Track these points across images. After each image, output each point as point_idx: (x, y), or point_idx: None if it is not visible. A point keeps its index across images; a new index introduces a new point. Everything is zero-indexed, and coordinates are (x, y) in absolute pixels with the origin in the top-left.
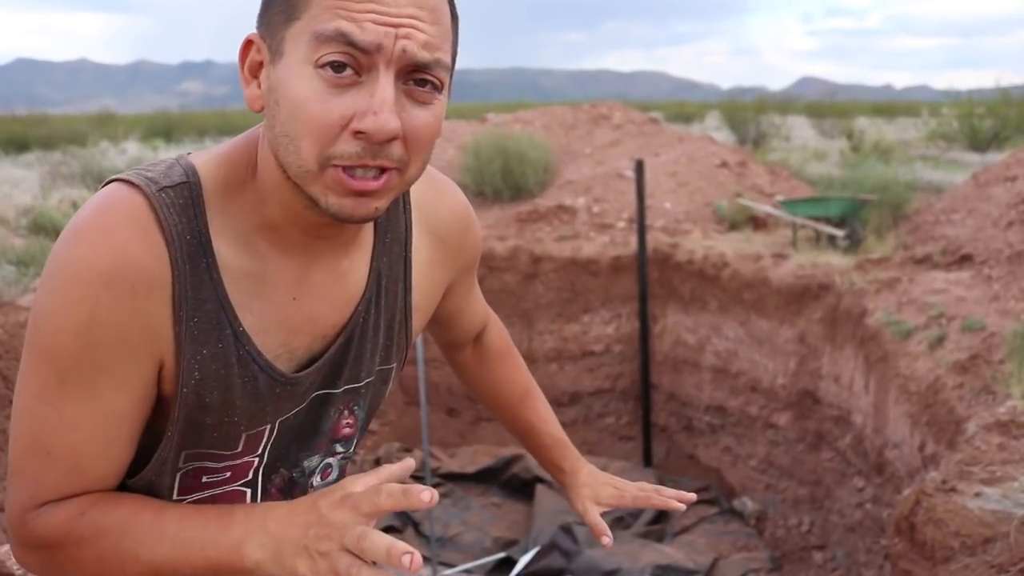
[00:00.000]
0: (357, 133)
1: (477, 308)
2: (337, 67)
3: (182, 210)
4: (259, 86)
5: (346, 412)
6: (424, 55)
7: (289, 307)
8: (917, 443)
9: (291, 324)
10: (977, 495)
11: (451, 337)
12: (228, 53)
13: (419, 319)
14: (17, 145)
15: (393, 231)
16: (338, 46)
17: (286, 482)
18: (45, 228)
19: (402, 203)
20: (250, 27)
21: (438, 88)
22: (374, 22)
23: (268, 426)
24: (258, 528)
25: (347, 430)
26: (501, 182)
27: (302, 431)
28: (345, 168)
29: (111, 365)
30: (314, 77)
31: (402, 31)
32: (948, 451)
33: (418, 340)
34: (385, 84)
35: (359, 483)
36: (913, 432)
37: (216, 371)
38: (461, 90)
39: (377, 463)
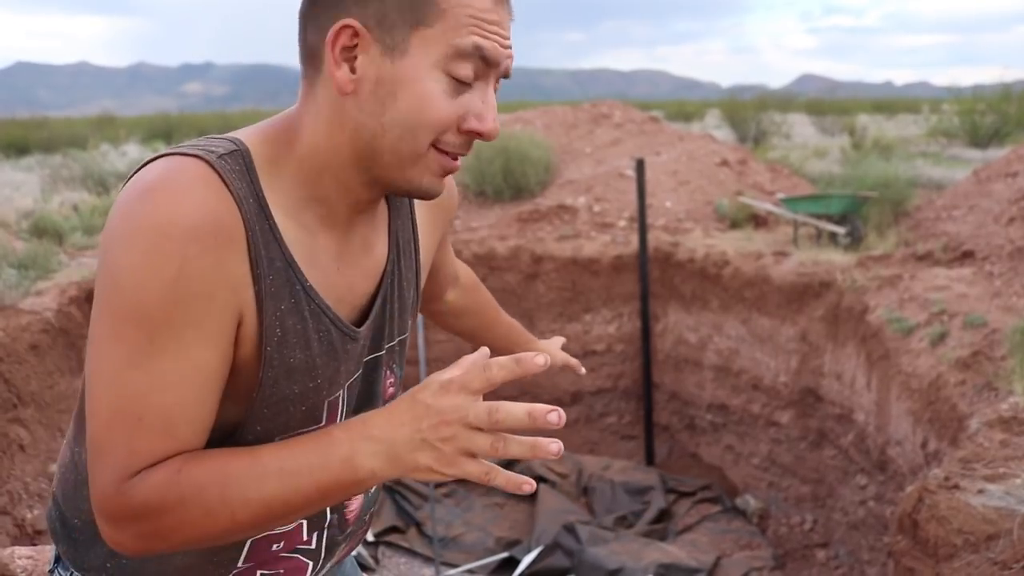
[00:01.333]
0: (469, 132)
1: (451, 257)
2: (462, 80)
3: (240, 176)
4: (352, 71)
5: (388, 372)
6: (511, 68)
7: (334, 276)
8: (919, 440)
9: (336, 293)
10: (980, 492)
11: (432, 289)
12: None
13: (423, 277)
14: (18, 148)
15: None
16: (472, 60)
17: None
18: (46, 231)
19: None
20: (250, 27)
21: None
22: (499, 44)
23: (342, 391)
24: (362, 438)
25: (391, 389)
26: (502, 182)
27: (363, 397)
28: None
29: (200, 319)
30: (444, 81)
31: (507, 52)
32: (950, 448)
33: (419, 340)
34: (492, 92)
35: (446, 373)
36: (915, 429)
37: (294, 327)
38: None
39: None
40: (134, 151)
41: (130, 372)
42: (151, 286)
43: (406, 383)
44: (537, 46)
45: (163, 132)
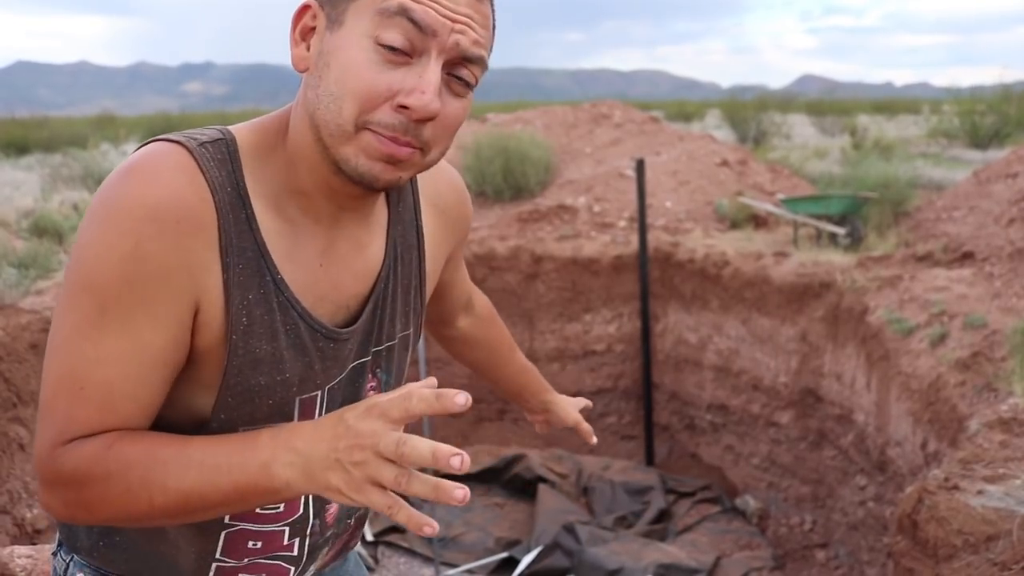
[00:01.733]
0: (400, 107)
1: (464, 281)
2: (392, 48)
3: (220, 164)
4: (308, 49)
5: (371, 376)
6: (473, 50)
7: (316, 272)
8: (919, 441)
9: (317, 290)
10: (979, 493)
11: (442, 310)
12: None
13: (429, 286)
14: (18, 148)
15: (404, 201)
16: (399, 22)
17: None
18: (46, 230)
19: None
20: (250, 27)
21: (471, 85)
22: (436, 11)
23: (319, 393)
24: (284, 447)
25: (371, 392)
26: (502, 182)
27: (348, 402)
28: (379, 135)
29: (151, 300)
30: (371, 49)
31: (457, 26)
32: (950, 449)
33: (419, 341)
34: (434, 69)
35: (384, 396)
36: (915, 430)
37: (261, 317)
38: None
39: None
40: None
41: (79, 342)
42: (107, 261)
43: (407, 383)
44: (537, 46)
45: (163, 132)
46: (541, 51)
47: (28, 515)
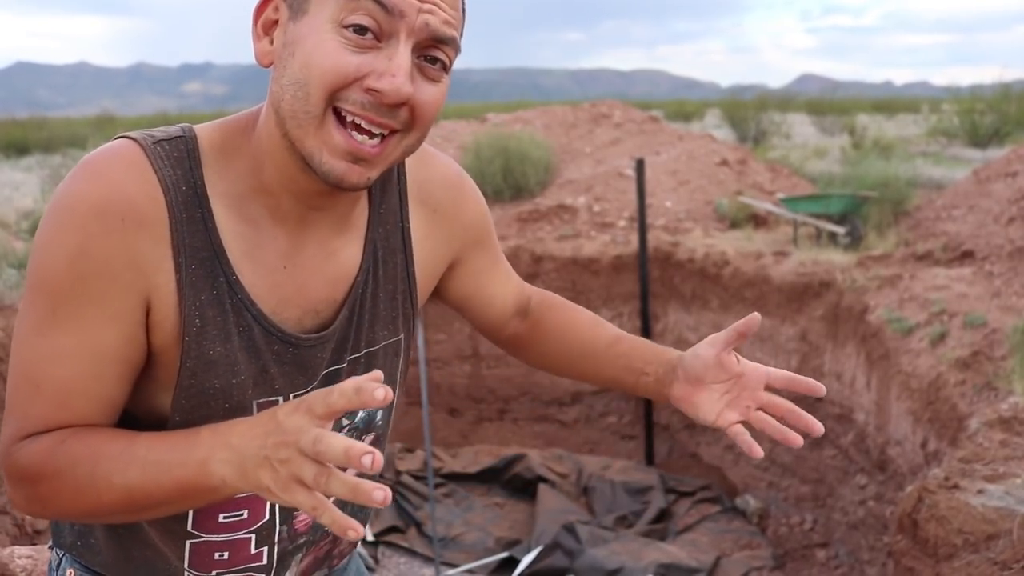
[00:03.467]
0: (369, 90)
1: (508, 287)
2: (359, 30)
3: (177, 162)
4: (271, 43)
5: None
6: (444, 30)
7: (279, 274)
8: (919, 440)
9: (280, 293)
10: (980, 492)
11: (488, 320)
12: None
13: (422, 292)
14: (17, 148)
15: (387, 202)
16: (365, 4)
17: None
18: None
19: (396, 173)
20: (249, 29)
21: (446, 68)
22: None
23: (280, 398)
24: (222, 444)
25: None
26: (502, 182)
27: None
28: (349, 123)
29: (99, 297)
30: (336, 34)
31: (426, 6)
32: (950, 448)
33: (419, 341)
34: (404, 52)
35: (314, 393)
36: (915, 429)
37: (214, 318)
38: (461, 90)
39: None
40: None
41: (35, 339)
42: (56, 259)
43: (408, 384)
44: (537, 46)
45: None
46: (541, 51)
47: (28, 515)
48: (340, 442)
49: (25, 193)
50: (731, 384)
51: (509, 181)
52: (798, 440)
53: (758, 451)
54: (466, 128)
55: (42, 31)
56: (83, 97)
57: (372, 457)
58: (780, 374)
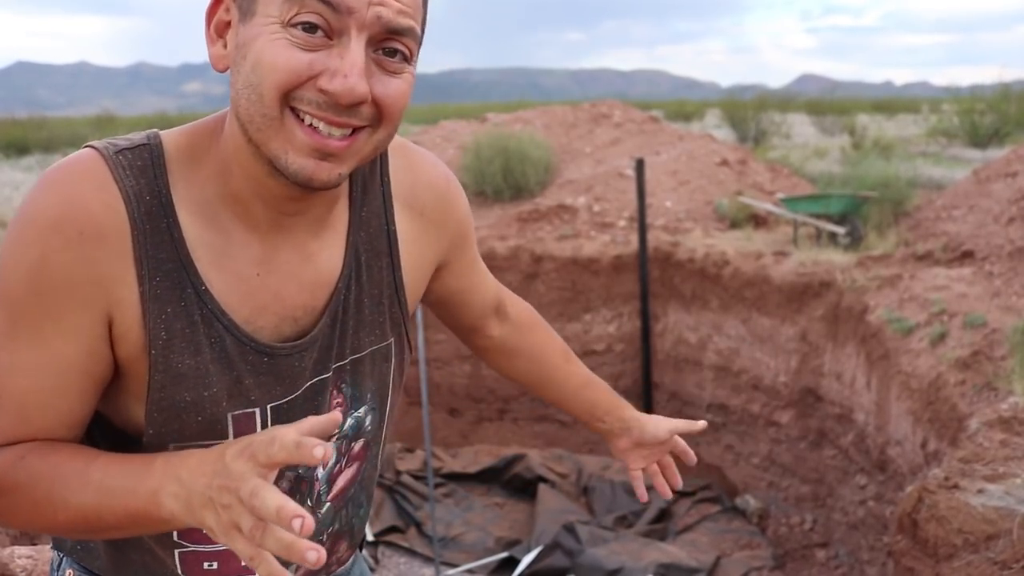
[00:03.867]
0: (322, 91)
1: (486, 286)
2: (308, 28)
3: (140, 171)
4: (224, 46)
5: (335, 392)
6: (398, 21)
7: (252, 282)
8: (919, 440)
9: (255, 301)
10: (980, 492)
11: (466, 320)
12: None
13: (411, 295)
14: (17, 148)
15: (370, 205)
16: (310, 3)
17: (292, 480)
18: None
19: (379, 175)
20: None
21: (407, 59)
22: None
23: (257, 410)
24: (172, 477)
25: (337, 409)
26: (502, 182)
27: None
28: (308, 125)
29: (58, 312)
30: (283, 34)
31: None
32: (950, 448)
33: (419, 341)
34: (356, 48)
35: (280, 431)
36: (915, 429)
37: (182, 331)
38: (461, 90)
39: None
40: None
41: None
42: (15, 273)
43: (408, 384)
44: (537, 46)
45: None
46: (541, 51)
47: None
48: (273, 500)
49: (25, 193)
50: (657, 450)
51: (509, 181)
52: (667, 492)
53: (643, 493)
54: (466, 128)
55: (42, 31)
56: (83, 97)
57: (302, 521)
58: (682, 445)
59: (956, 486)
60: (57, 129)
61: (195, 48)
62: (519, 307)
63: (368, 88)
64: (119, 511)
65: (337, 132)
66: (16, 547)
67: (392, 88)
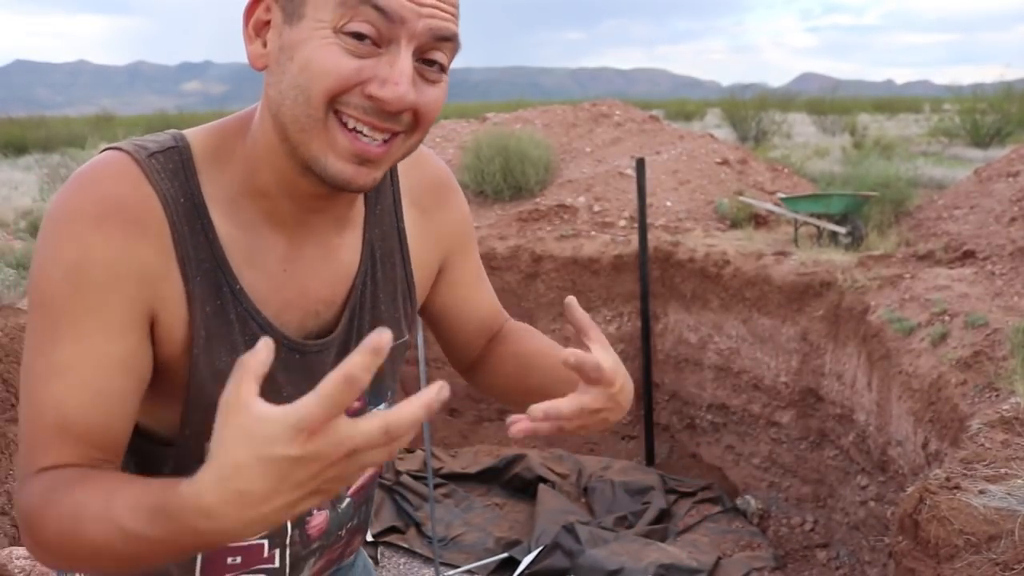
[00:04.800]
0: (371, 97)
1: (490, 305)
2: (357, 36)
3: (173, 174)
4: (264, 45)
5: None
6: (447, 28)
7: (279, 278)
8: (920, 440)
9: (281, 296)
10: (981, 492)
11: (463, 338)
12: (226, 54)
13: (420, 294)
14: (16, 147)
15: (382, 202)
16: (363, 10)
17: None
18: None
19: (389, 173)
20: (240, 31)
21: (444, 69)
22: None
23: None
24: (196, 513)
25: (357, 405)
26: (501, 181)
27: None
28: (351, 129)
29: (100, 306)
30: (334, 40)
31: (426, 10)
32: (952, 448)
33: (419, 341)
34: (405, 57)
35: (288, 415)
36: (916, 429)
37: (219, 329)
38: (461, 90)
39: None
40: None
41: (36, 360)
42: (54, 272)
43: (405, 384)
44: (537, 45)
45: (161, 131)
46: (541, 50)
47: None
48: (371, 425)
49: (24, 192)
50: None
51: (509, 181)
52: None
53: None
54: (466, 127)
55: (41, 30)
56: (82, 96)
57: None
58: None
59: (957, 487)
60: (56, 128)
61: (194, 47)
62: (513, 324)
63: (416, 96)
64: (159, 555)
65: (379, 137)
66: (15, 548)
67: (431, 96)
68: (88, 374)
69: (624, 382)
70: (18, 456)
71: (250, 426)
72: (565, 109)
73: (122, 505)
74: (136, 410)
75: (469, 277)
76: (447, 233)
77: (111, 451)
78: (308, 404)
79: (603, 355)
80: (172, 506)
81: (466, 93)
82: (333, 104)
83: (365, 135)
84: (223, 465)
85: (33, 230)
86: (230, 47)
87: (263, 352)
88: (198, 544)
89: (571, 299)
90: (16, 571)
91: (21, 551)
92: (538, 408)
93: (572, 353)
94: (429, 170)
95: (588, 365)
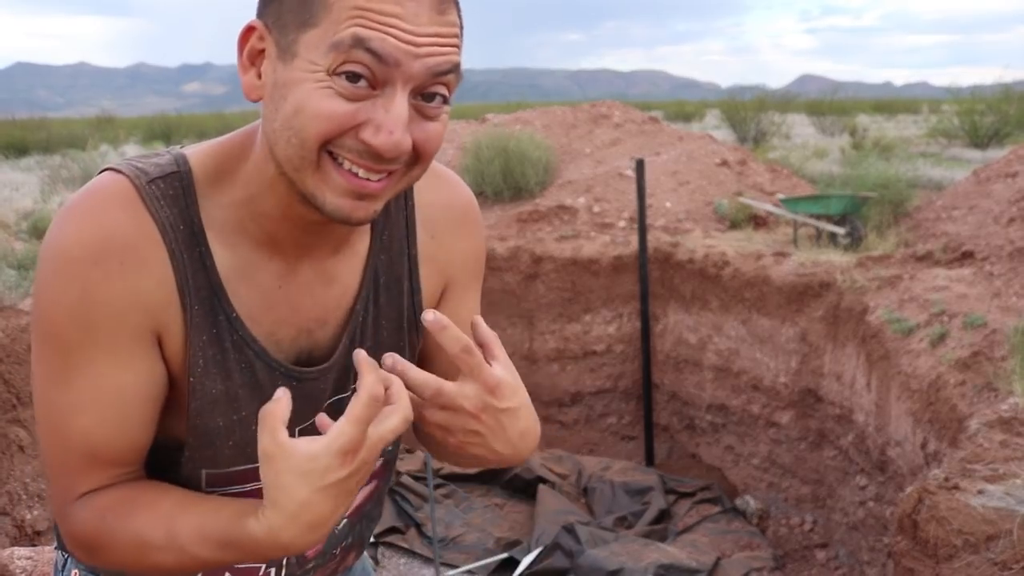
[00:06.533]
0: (365, 143)
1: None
2: (352, 77)
3: (173, 201)
4: (258, 75)
5: None
6: (445, 65)
7: (275, 294)
8: (919, 441)
9: (276, 313)
10: (980, 492)
11: (435, 365)
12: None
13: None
14: (17, 149)
15: (392, 229)
16: (356, 54)
17: None
18: (45, 232)
19: (404, 198)
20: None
21: (446, 100)
22: (396, 38)
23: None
24: (274, 548)
25: None
26: (501, 182)
27: None
28: (347, 170)
29: (111, 344)
30: (328, 83)
31: (423, 50)
32: (950, 449)
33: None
34: (400, 102)
35: (330, 445)
36: (915, 430)
37: (214, 356)
38: (461, 90)
39: None
40: (133, 152)
41: (53, 392)
42: (59, 308)
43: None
44: (536, 46)
45: (162, 132)
46: (540, 51)
47: (28, 516)
48: (394, 423)
49: (25, 194)
50: None
51: (509, 181)
52: None
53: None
54: (466, 128)
55: (42, 31)
56: (82, 97)
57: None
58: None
59: (956, 487)
60: (56, 130)
61: (194, 49)
62: None
63: (411, 142)
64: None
65: (375, 176)
66: (16, 548)
67: (430, 132)
68: (108, 409)
69: (519, 409)
70: (51, 484)
71: (302, 466)
72: (565, 110)
73: (187, 537)
74: (155, 426)
75: (462, 315)
76: (451, 262)
77: (138, 463)
78: (345, 430)
79: (500, 371)
80: (245, 541)
81: (466, 94)
82: (327, 146)
83: (361, 176)
84: (289, 503)
85: (34, 231)
86: (230, 49)
87: (283, 401)
88: (264, 560)
89: (476, 318)
90: (17, 571)
91: (22, 551)
92: (388, 357)
93: (431, 310)
94: (445, 193)
95: (448, 333)
